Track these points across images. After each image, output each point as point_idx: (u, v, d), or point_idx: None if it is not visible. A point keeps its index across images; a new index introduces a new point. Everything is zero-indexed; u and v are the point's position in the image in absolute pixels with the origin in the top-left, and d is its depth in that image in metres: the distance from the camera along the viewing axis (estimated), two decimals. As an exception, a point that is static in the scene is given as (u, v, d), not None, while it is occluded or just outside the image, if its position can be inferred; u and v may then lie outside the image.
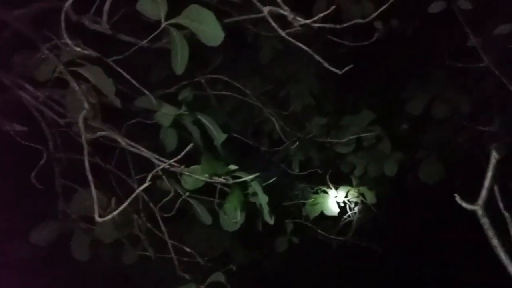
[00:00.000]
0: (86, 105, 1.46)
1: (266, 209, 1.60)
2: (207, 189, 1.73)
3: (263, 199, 1.64)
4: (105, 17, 1.20)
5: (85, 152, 1.37)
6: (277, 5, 1.32)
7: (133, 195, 1.31)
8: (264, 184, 1.74)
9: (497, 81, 1.61)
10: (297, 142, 2.38)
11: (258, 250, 3.55)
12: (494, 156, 1.05)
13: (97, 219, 1.16)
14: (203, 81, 2.01)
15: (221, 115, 2.55)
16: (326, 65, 1.20)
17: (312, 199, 3.61)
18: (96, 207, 1.17)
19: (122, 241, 1.87)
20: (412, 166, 3.28)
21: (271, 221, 1.68)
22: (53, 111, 1.64)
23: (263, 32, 2.05)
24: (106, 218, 1.23)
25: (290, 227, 3.26)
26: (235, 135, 2.65)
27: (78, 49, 1.24)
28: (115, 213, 1.25)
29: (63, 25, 1.17)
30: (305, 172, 2.95)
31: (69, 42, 1.19)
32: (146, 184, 1.31)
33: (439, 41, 2.88)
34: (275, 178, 1.83)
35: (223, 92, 2.34)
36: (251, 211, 1.78)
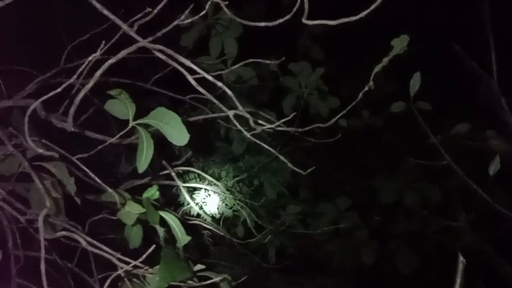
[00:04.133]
0: (47, 203, 1.41)
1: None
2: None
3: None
4: (70, 120, 1.21)
5: (42, 254, 1.30)
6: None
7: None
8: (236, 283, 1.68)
9: (460, 178, 1.65)
10: (269, 236, 2.34)
11: None
12: (461, 262, 1.03)
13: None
14: (173, 174, 2.00)
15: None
16: (289, 165, 1.21)
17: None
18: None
19: None
20: (386, 255, 3.25)
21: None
22: (14, 208, 1.58)
23: (233, 127, 2.09)
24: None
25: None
26: (206, 225, 2.59)
27: (40, 150, 1.23)
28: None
29: (26, 126, 1.17)
30: (279, 265, 2.86)
31: (31, 144, 1.18)
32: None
33: (404, 137, 3.01)
34: (246, 277, 1.77)
35: (194, 185, 2.32)
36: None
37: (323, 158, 3.35)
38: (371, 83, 1.16)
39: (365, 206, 3.34)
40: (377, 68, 1.21)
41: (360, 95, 1.17)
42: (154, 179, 2.18)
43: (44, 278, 1.24)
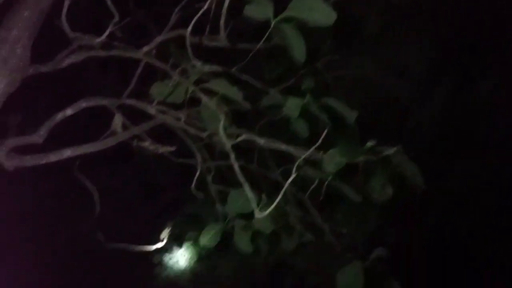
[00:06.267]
0: (221, 116, 1.58)
1: (418, 178, 1.57)
2: (347, 168, 1.75)
3: (412, 168, 1.61)
4: (222, 32, 1.30)
5: (232, 157, 1.49)
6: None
7: (284, 188, 1.36)
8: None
9: None
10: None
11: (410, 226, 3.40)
12: None
13: (257, 214, 1.26)
14: (318, 66, 2.02)
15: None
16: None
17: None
18: (254, 204, 1.27)
19: (277, 232, 1.97)
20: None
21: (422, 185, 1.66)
22: (195, 127, 1.80)
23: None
24: (266, 213, 1.31)
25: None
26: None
27: (207, 67, 1.36)
28: (272, 206, 1.32)
29: (189, 49, 1.29)
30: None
31: (197, 63, 1.31)
32: (293, 176, 1.37)
33: None
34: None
35: (343, 73, 2.31)
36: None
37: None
38: None
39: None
40: None
41: None
42: (298, 78, 2.24)
43: (240, 175, 1.43)
